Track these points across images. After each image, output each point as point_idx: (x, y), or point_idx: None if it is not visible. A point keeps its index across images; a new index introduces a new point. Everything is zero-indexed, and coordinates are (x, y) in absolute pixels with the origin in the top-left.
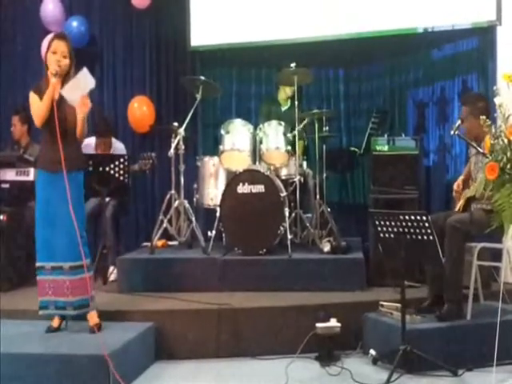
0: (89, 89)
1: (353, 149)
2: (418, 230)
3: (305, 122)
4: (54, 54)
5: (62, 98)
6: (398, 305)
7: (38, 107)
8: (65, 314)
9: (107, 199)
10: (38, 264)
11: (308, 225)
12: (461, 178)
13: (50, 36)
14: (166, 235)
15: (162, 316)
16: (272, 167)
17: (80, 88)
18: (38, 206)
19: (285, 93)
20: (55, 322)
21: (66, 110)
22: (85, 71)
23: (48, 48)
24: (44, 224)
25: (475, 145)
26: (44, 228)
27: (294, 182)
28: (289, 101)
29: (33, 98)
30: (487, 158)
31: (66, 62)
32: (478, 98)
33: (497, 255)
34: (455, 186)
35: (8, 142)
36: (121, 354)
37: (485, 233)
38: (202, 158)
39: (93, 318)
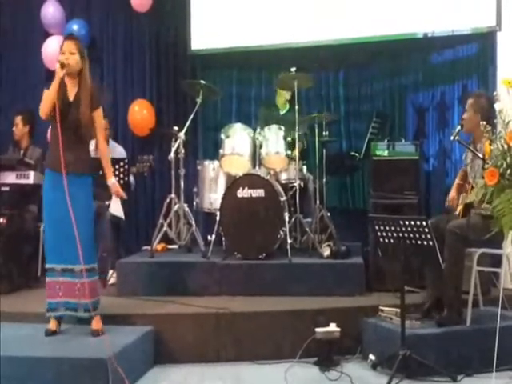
0: None
1: (353, 153)
2: (417, 235)
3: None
4: (63, 54)
5: (76, 100)
6: (398, 310)
7: (44, 96)
8: (75, 316)
9: (107, 202)
10: (47, 266)
11: (308, 229)
12: (455, 185)
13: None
14: (166, 239)
15: (162, 320)
16: (272, 171)
17: None
18: (46, 207)
19: (283, 97)
20: (52, 325)
21: (79, 111)
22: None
23: (60, 52)
24: (52, 225)
25: (474, 149)
26: (52, 229)
27: (294, 186)
28: (287, 104)
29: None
30: (487, 163)
31: (75, 57)
32: (481, 94)
33: (496, 261)
34: (450, 200)
35: (6, 144)
36: (120, 357)
37: (484, 238)
38: (202, 161)
39: (97, 321)
